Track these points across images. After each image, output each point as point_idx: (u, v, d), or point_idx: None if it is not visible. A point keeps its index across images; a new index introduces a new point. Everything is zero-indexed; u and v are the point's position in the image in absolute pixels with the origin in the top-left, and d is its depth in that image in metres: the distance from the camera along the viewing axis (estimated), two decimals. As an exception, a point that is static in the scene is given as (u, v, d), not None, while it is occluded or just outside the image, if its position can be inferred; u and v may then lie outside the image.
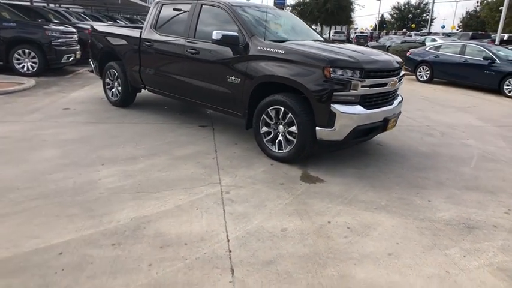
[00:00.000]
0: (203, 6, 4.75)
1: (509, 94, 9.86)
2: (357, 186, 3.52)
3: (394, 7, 53.79)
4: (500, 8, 21.47)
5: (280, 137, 4.00)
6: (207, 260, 2.30)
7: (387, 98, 4.08)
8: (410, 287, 2.17)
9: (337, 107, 3.56)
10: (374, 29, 56.62)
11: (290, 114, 3.80)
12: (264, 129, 4.11)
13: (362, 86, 3.61)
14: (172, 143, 4.46)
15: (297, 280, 2.17)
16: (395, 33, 40.80)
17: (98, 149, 4.09)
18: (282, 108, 3.87)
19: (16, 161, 3.64)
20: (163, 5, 5.30)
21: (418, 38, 26.13)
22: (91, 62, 6.54)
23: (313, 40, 4.81)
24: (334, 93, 3.53)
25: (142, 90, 5.86)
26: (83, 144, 4.22)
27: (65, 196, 2.99)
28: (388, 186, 3.57)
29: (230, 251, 2.40)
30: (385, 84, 3.88)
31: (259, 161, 4.02)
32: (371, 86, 3.70)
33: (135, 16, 29.80)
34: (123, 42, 5.73)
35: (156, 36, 5.21)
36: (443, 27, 46.40)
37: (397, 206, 3.19)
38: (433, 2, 40.06)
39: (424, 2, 50.50)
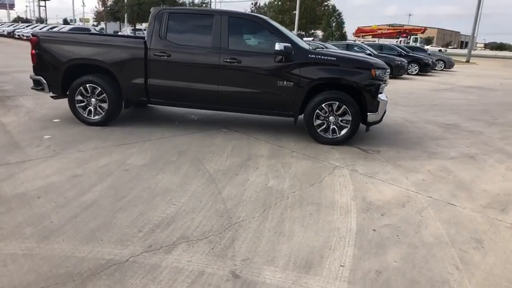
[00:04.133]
0: (230, 18, 5.06)
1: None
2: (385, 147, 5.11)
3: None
4: (294, 12, 27.36)
5: (332, 126, 5.06)
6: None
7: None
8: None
9: (380, 96, 5.00)
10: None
11: (344, 106, 4.94)
12: (317, 121, 5.06)
13: (384, 81, 5.17)
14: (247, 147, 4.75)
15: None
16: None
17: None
18: (337, 103, 4.95)
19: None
20: (170, 14, 5.13)
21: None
22: (38, 78, 5.31)
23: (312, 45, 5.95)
24: (380, 87, 4.95)
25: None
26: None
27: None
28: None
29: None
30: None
31: (318, 145, 4.98)
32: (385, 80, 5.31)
33: None
34: (117, 52, 5.11)
35: (172, 46, 5.04)
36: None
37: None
38: (215, 2, 45.30)
39: (205, 1, 55.78)
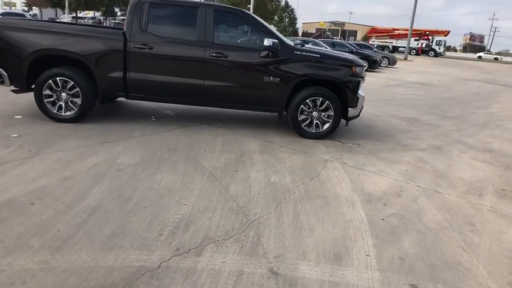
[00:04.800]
0: (216, 11, 4.95)
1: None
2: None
3: None
4: (248, 6, 27.26)
5: (315, 121, 5.21)
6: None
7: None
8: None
9: (359, 92, 5.23)
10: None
11: (327, 101, 5.10)
12: (302, 116, 5.17)
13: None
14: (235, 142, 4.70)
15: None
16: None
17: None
18: (320, 98, 5.09)
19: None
20: (151, 4, 4.87)
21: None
22: (-2, 71, 4.77)
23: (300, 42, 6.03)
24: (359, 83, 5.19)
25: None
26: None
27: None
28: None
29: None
30: (363, 75, 5.85)
31: (302, 139, 5.10)
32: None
33: None
34: (93, 43, 4.75)
35: (154, 38, 4.80)
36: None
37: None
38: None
39: None
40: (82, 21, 36.30)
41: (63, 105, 4.90)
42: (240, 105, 5.22)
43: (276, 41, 4.84)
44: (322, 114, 5.18)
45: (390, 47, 48.91)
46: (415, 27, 40.82)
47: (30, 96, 5.03)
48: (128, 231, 2.56)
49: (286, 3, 52.49)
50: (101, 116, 5.43)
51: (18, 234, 2.44)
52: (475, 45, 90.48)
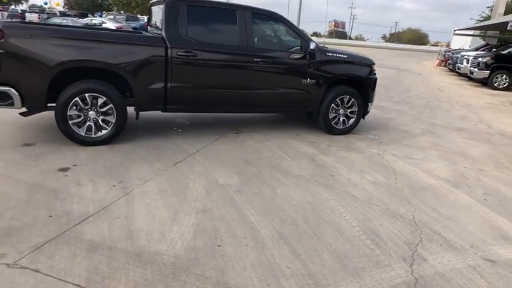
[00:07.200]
0: (253, 14, 4.77)
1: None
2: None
3: None
4: None
5: (342, 118, 5.57)
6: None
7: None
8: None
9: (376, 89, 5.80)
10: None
11: (353, 99, 5.51)
12: (332, 115, 5.47)
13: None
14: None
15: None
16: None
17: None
18: (348, 96, 5.46)
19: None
20: (187, 6, 4.40)
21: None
22: (5, 90, 3.74)
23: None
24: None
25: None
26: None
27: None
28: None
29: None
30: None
31: (331, 136, 5.45)
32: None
33: None
34: (129, 52, 4.11)
35: (197, 44, 4.40)
36: (45, 3, 44.46)
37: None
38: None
39: None
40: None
41: (93, 126, 4.15)
42: (278, 108, 5.23)
43: (315, 43, 4.99)
44: (348, 111, 5.57)
45: None
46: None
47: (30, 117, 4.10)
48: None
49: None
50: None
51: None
52: (338, 31, 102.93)
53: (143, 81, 4.24)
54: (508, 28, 13.36)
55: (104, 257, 2.26)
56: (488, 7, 31.14)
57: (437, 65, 24.09)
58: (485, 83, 14.06)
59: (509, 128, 7.15)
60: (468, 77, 15.54)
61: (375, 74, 5.71)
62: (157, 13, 5.01)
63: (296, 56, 4.99)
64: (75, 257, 2.24)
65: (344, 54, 5.44)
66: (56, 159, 3.73)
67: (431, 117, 7.65)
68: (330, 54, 5.28)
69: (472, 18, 53.88)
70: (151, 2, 5.42)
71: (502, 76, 13.65)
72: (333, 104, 5.37)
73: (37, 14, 30.39)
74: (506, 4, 23.51)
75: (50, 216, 2.67)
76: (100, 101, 4.08)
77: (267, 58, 4.80)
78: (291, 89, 5.08)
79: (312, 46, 4.86)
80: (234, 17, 4.68)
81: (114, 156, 3.95)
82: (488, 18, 27.77)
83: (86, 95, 4.00)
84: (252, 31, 4.76)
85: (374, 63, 5.70)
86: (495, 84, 13.68)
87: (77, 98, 3.97)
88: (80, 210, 2.78)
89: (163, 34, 4.31)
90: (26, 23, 5.43)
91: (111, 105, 4.12)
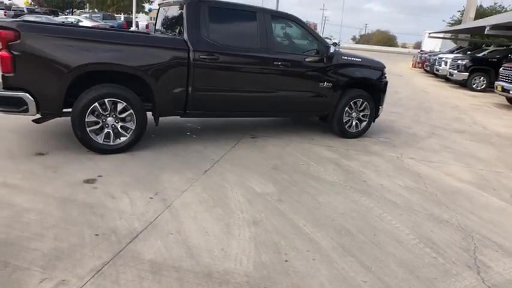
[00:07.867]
0: (272, 16, 4.66)
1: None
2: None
3: None
4: None
5: (354, 121, 5.57)
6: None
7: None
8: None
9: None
10: None
11: (366, 102, 5.52)
12: (345, 118, 5.45)
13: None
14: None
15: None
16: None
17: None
18: (361, 99, 5.47)
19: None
20: (209, 7, 4.23)
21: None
22: (20, 95, 3.44)
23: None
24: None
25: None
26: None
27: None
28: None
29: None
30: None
31: (345, 139, 5.45)
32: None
33: None
34: (151, 55, 3.89)
35: (219, 47, 4.24)
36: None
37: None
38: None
39: None
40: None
41: (111, 132, 3.90)
42: (298, 113, 5.17)
43: (333, 47, 4.95)
44: (361, 114, 5.58)
45: None
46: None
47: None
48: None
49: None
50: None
51: None
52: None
53: (165, 85, 4.04)
54: (485, 32, 13.99)
55: (173, 279, 2.09)
56: (459, 11, 32.54)
57: (412, 67, 24.92)
58: (464, 84, 14.64)
59: (502, 129, 7.43)
60: (447, 79, 16.14)
61: (386, 77, 5.76)
62: (171, 14, 4.82)
63: (314, 59, 4.93)
64: (142, 281, 2.05)
65: (358, 57, 5.44)
66: (76, 169, 3.47)
67: (429, 119, 7.84)
68: (346, 57, 5.26)
69: (444, 20, 56.48)
70: (161, 2, 5.20)
71: (480, 78, 14.26)
72: (346, 108, 5.37)
73: (3, 11, 28.73)
74: (476, 9, 24.68)
75: (96, 234, 2.45)
76: (120, 107, 3.85)
77: (287, 61, 4.70)
78: (309, 93, 5.02)
79: (332, 50, 4.82)
80: (254, 19, 4.56)
81: (138, 165, 3.73)
82: (459, 21, 29.00)
83: (106, 100, 3.76)
84: (272, 34, 4.66)
85: (385, 67, 5.75)
86: (473, 86, 14.27)
87: (96, 104, 3.72)
88: (126, 227, 2.57)
89: (185, 36, 4.12)
90: (43, 23, 5.03)
91: (131, 110, 3.90)
